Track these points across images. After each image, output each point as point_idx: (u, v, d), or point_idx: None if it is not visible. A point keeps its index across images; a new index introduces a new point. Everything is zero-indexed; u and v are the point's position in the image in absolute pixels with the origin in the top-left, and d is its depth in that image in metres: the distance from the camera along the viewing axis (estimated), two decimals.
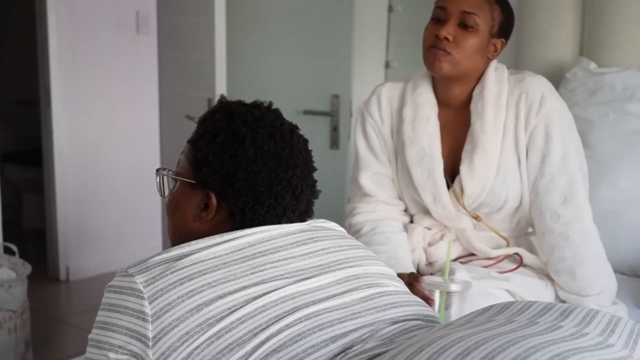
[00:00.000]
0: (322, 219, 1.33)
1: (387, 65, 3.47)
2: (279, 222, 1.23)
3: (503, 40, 1.78)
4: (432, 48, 1.73)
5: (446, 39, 1.71)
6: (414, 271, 1.84)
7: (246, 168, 1.20)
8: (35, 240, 4.38)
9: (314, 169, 1.30)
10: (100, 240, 3.93)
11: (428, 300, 1.57)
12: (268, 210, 1.21)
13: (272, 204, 1.22)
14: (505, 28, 1.77)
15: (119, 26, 3.84)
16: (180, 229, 1.26)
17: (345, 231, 1.33)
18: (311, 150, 1.31)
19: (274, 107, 1.31)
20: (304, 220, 1.28)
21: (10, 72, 5.19)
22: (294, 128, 1.29)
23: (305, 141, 1.30)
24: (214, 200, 1.22)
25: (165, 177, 1.29)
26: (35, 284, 3.36)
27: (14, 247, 2.83)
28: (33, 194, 4.55)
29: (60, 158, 3.73)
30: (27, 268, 2.77)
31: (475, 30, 1.72)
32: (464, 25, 1.71)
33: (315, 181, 1.31)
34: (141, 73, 3.95)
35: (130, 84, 3.92)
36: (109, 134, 3.87)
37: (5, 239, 3.07)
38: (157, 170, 1.31)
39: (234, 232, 1.17)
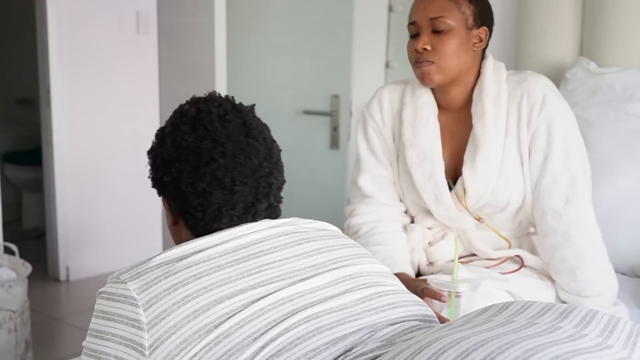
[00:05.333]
0: (319, 219, 1.31)
1: (387, 65, 3.47)
2: (220, 221, 1.17)
3: (485, 28, 1.78)
4: (417, 63, 1.76)
5: (425, 49, 1.73)
6: (412, 271, 1.84)
7: (170, 170, 1.17)
8: (35, 240, 4.39)
9: (258, 152, 1.18)
10: (100, 240, 3.93)
11: (439, 297, 1.56)
12: (203, 210, 1.16)
13: (204, 204, 1.16)
14: (482, 16, 1.77)
15: (119, 26, 3.84)
16: (171, 233, 1.29)
17: (338, 230, 1.31)
18: (252, 132, 1.19)
19: (213, 95, 1.24)
20: (253, 213, 1.19)
21: (10, 72, 5.19)
22: (227, 112, 1.19)
23: (246, 123, 1.19)
24: (166, 205, 1.23)
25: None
26: (35, 284, 3.37)
27: (14, 247, 2.83)
28: (33, 194, 4.55)
29: (60, 158, 3.73)
30: (27, 268, 2.77)
31: (449, 31, 1.72)
32: (437, 31, 1.73)
33: (261, 165, 1.18)
34: (141, 73, 3.95)
35: (130, 84, 3.92)
36: (109, 134, 3.87)
37: (5, 239, 3.07)
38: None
39: (222, 233, 1.15)
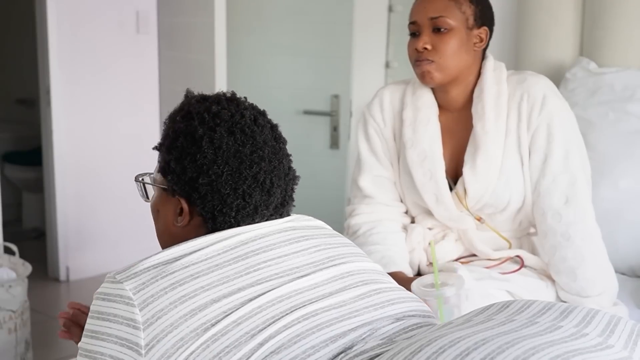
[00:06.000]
0: (319, 219, 1.32)
1: (387, 65, 3.47)
2: (252, 221, 1.19)
3: (486, 28, 1.78)
4: (417, 62, 1.77)
5: (425, 49, 1.74)
6: (409, 270, 1.84)
7: (207, 172, 1.16)
8: (35, 240, 4.38)
9: (286, 156, 1.24)
10: (100, 240, 3.93)
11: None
12: (238, 211, 1.17)
13: (241, 204, 1.17)
14: (482, 17, 1.78)
15: (119, 26, 3.83)
16: (164, 233, 1.25)
17: (332, 229, 1.32)
18: (281, 136, 1.24)
19: (233, 96, 1.25)
20: (280, 213, 1.24)
21: (10, 72, 5.19)
22: (257, 116, 1.22)
23: (273, 127, 1.24)
24: (185, 206, 1.19)
25: (145, 183, 1.28)
26: (35, 284, 3.36)
27: (14, 247, 2.83)
28: (33, 194, 4.55)
29: (60, 158, 3.73)
30: (27, 268, 2.77)
31: (450, 31, 1.73)
32: (437, 30, 1.73)
33: (290, 168, 1.25)
34: (141, 73, 3.95)
35: (130, 84, 3.92)
36: (109, 134, 3.87)
37: (5, 239, 3.06)
38: (136, 177, 1.29)
39: (222, 232, 1.15)
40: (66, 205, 3.78)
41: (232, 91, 1.27)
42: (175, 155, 1.19)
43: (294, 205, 1.28)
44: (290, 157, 1.26)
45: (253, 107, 1.25)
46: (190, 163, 1.17)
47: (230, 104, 1.22)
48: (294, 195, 1.27)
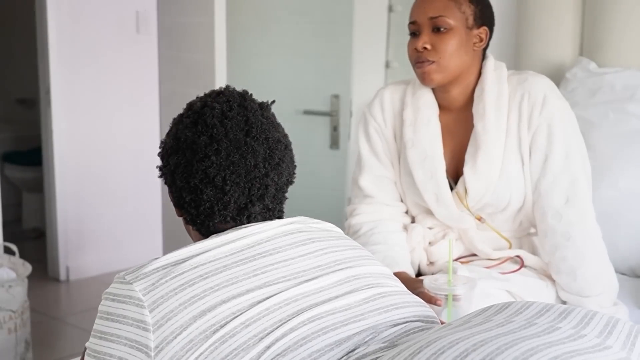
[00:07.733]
0: (319, 219, 1.31)
1: (387, 65, 3.47)
2: (212, 220, 1.17)
3: (486, 28, 1.78)
4: (418, 63, 1.77)
5: (425, 48, 1.74)
6: (412, 270, 1.84)
7: (168, 161, 1.20)
8: (35, 240, 4.39)
9: (254, 152, 1.16)
10: (100, 240, 3.93)
11: (435, 301, 1.56)
12: (196, 207, 1.17)
13: (195, 200, 1.16)
14: (482, 16, 1.78)
15: (119, 26, 3.84)
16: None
17: (341, 231, 1.31)
18: (253, 131, 1.16)
19: (225, 89, 1.23)
20: (246, 217, 1.18)
21: (10, 72, 5.19)
22: (232, 109, 1.17)
23: (247, 121, 1.17)
24: (170, 196, 1.25)
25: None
26: (35, 284, 3.37)
27: (14, 247, 2.83)
28: (33, 194, 4.56)
29: (60, 158, 3.73)
30: (27, 268, 2.77)
31: (449, 30, 1.73)
32: (437, 30, 1.73)
33: (256, 166, 1.16)
34: (141, 73, 3.95)
35: (130, 84, 3.92)
36: (109, 134, 3.87)
37: (5, 239, 3.06)
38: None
39: (229, 234, 1.15)
40: (66, 205, 3.78)
41: (228, 85, 1.27)
42: (161, 144, 1.26)
43: (274, 206, 1.22)
44: (268, 155, 1.18)
45: (241, 103, 1.20)
46: (163, 152, 1.22)
47: (214, 97, 1.21)
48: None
